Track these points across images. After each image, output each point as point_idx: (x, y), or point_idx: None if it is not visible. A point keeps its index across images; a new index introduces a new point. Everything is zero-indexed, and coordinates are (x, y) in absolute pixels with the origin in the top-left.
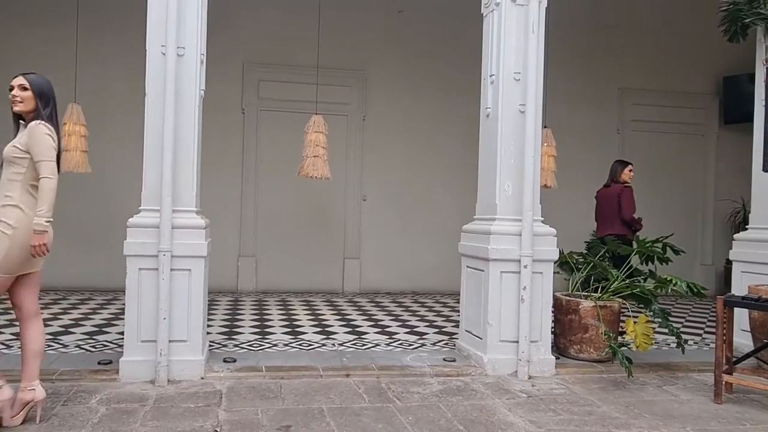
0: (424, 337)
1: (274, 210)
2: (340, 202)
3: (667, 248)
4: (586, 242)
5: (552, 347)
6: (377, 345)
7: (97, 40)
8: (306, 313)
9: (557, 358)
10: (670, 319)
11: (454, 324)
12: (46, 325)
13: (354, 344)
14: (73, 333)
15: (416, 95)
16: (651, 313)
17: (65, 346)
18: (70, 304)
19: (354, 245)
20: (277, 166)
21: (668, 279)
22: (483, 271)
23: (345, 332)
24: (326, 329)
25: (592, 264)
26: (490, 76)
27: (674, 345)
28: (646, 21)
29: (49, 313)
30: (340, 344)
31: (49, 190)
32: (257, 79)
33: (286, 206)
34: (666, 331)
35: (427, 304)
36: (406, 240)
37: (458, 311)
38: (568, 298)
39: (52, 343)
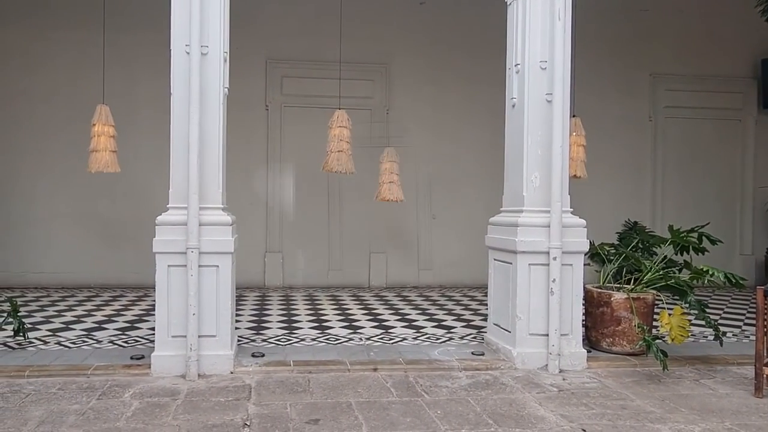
0: (451, 330)
1: (299, 205)
2: (364, 196)
3: (703, 238)
4: (617, 233)
5: (583, 340)
6: (404, 339)
7: (123, 42)
8: (333, 308)
9: (589, 352)
10: (707, 311)
11: (482, 317)
12: (80, 322)
13: (381, 338)
14: (106, 329)
15: (440, 87)
16: (687, 305)
17: (99, 342)
18: (102, 300)
19: (379, 239)
20: (302, 161)
21: (705, 269)
22: (511, 263)
23: (372, 326)
24: (353, 324)
25: (624, 255)
26: (516, 65)
27: (711, 337)
28: (677, 2)
29: (83, 310)
30: (367, 338)
31: None
32: (280, 76)
33: (311, 201)
34: (703, 323)
35: (454, 298)
36: (432, 233)
37: (486, 305)
38: (599, 290)
39: (86, 339)
